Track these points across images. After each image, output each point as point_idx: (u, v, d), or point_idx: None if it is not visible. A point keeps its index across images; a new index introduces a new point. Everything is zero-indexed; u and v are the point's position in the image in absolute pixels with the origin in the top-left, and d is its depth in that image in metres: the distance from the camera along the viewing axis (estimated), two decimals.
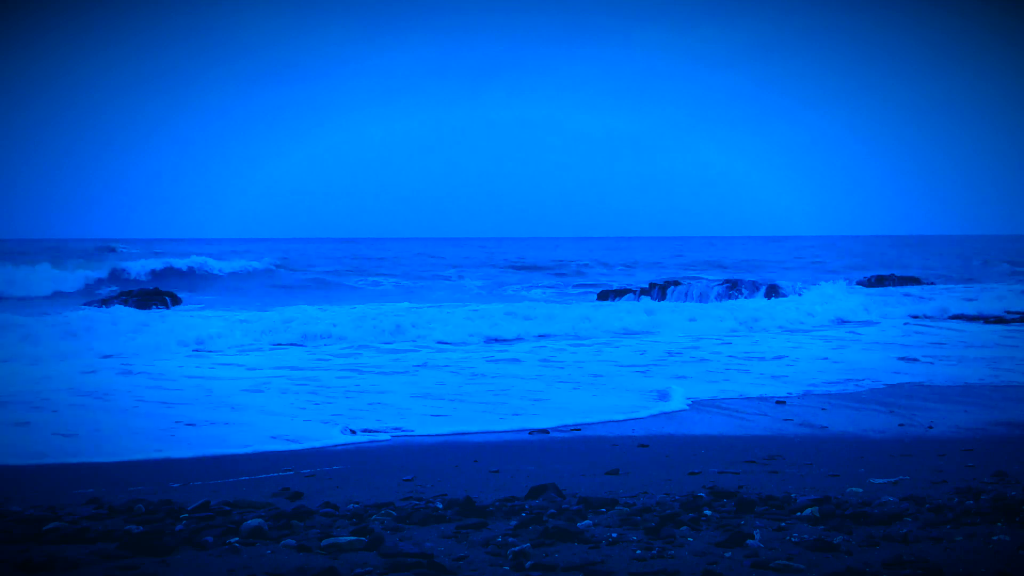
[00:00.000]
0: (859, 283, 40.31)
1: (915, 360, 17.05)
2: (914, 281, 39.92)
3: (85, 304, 28.21)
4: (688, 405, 12.33)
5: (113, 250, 60.66)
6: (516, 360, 17.29)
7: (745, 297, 31.31)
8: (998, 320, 25.53)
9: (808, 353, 18.24)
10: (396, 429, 10.67)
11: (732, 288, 32.33)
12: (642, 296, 32.82)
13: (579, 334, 21.28)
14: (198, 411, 11.82)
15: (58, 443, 9.84)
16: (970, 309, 27.45)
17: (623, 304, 29.90)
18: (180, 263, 40.53)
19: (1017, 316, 26.18)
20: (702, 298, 32.13)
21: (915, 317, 26.27)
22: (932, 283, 40.08)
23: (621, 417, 11.50)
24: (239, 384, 14.24)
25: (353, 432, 10.45)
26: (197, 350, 18.09)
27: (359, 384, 14.34)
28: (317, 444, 9.93)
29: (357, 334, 19.99)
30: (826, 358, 17.41)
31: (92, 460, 9.08)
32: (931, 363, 16.67)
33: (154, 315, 24.13)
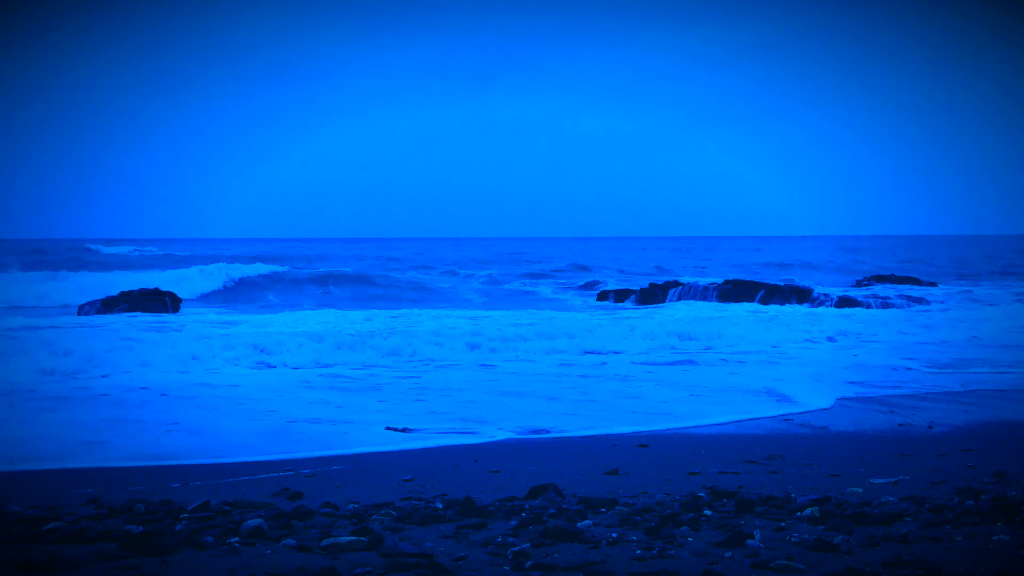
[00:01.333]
0: (858, 283, 40.35)
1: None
2: (914, 281, 39.95)
3: (83, 308, 28.01)
4: (836, 402, 12.53)
5: (88, 250, 60.49)
6: (532, 360, 17.38)
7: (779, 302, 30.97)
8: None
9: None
10: (548, 430, 10.77)
11: (734, 288, 32.29)
12: (642, 296, 32.83)
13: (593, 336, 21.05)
14: (296, 409, 11.94)
15: (190, 442, 9.97)
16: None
17: (626, 309, 29.93)
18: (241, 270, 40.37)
19: None
20: (704, 297, 32.13)
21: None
22: (933, 283, 40.12)
23: (785, 411, 11.88)
24: (293, 382, 14.39)
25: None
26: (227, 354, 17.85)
27: (428, 383, 14.42)
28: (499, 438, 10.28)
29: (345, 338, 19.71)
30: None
31: (237, 460, 9.12)
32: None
33: (164, 320, 24.17)
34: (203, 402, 12.55)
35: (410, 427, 10.70)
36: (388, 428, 10.65)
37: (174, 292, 29.56)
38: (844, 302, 29.76)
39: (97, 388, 13.55)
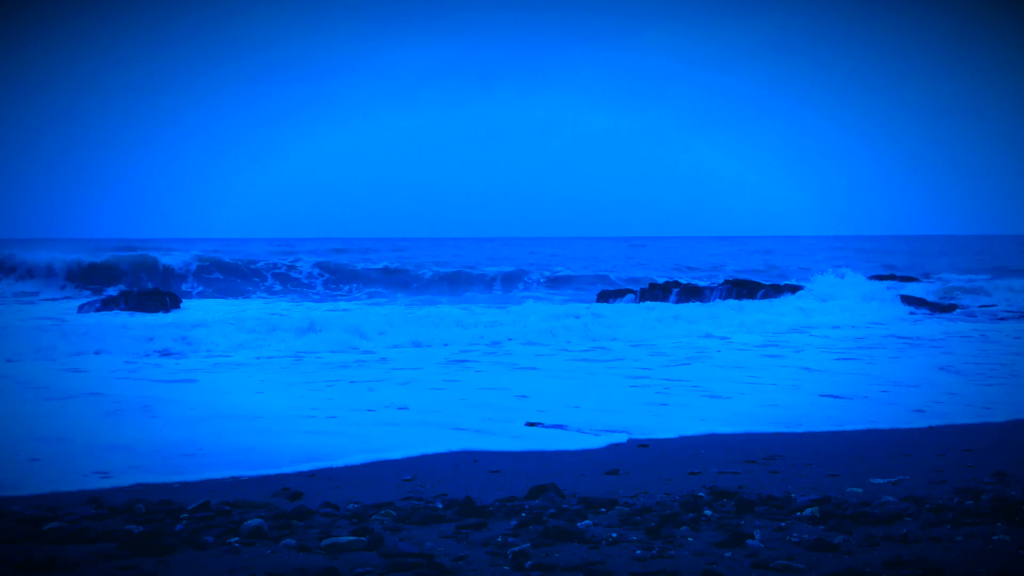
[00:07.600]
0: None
1: None
2: (914, 281, 39.96)
3: (83, 306, 27.91)
4: None
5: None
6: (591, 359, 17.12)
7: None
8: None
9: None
10: None
11: (735, 288, 32.25)
12: (643, 297, 32.80)
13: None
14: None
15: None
16: None
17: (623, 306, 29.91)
18: None
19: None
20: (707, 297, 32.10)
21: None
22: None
23: None
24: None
25: None
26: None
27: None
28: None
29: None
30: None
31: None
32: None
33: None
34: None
35: None
36: None
37: (173, 292, 29.51)
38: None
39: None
